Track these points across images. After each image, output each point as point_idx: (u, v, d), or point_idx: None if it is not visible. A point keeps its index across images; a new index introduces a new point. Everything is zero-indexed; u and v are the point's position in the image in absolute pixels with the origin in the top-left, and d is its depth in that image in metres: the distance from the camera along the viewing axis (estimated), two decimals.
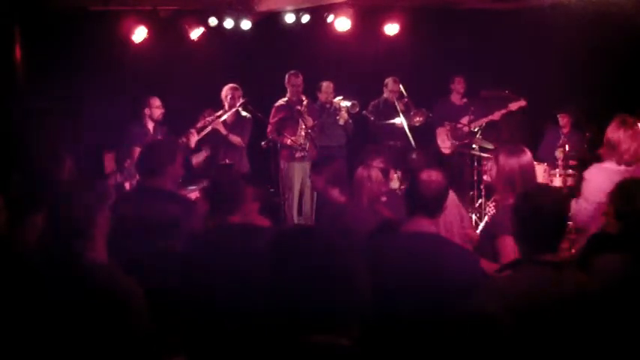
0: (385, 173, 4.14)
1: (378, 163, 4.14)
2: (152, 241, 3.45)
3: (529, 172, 3.55)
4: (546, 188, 2.73)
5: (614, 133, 4.13)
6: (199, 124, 6.72)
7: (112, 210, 2.58)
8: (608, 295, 2.45)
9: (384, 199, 4.02)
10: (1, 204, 2.95)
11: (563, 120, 7.57)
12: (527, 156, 3.59)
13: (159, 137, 6.67)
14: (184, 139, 6.50)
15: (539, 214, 2.49)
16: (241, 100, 7.02)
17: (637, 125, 4.19)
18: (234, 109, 7.00)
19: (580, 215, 4.06)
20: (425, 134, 7.87)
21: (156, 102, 6.71)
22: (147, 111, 6.69)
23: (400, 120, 7.36)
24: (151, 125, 6.73)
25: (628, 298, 2.51)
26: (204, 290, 3.04)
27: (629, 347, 2.42)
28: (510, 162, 3.53)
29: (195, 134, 6.59)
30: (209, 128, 6.83)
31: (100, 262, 2.43)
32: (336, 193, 4.32)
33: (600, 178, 3.99)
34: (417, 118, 7.50)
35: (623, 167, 4.08)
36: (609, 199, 3.07)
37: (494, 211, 4.07)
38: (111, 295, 2.32)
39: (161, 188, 3.81)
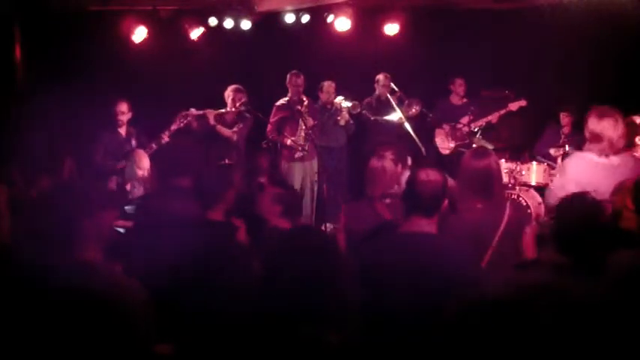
0: (397, 166, 4.07)
1: (389, 155, 4.07)
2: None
3: (493, 174, 3.53)
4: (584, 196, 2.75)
5: (596, 125, 4.12)
6: (174, 127, 6.53)
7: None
8: (622, 293, 2.44)
9: (387, 201, 3.93)
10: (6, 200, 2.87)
11: (565, 119, 7.51)
12: (492, 158, 3.57)
13: (133, 142, 6.55)
14: (154, 145, 6.28)
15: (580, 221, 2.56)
16: (242, 100, 7.03)
17: (615, 115, 4.18)
18: (234, 109, 7.02)
19: (553, 201, 4.03)
20: (424, 134, 7.87)
21: (122, 105, 6.53)
22: (114, 115, 6.52)
23: (397, 115, 7.34)
24: (122, 129, 6.60)
25: None
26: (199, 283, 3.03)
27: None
28: (474, 164, 3.51)
29: (167, 138, 6.36)
30: (201, 112, 6.81)
31: (91, 262, 2.43)
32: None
33: (580, 168, 3.97)
34: (414, 108, 7.48)
35: (603, 158, 4.05)
36: (628, 192, 3.07)
37: None
38: (104, 294, 2.31)
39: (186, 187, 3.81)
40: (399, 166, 4.07)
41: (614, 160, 4.06)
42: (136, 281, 2.40)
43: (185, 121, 6.66)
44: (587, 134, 4.15)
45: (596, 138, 4.08)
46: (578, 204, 2.66)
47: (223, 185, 3.40)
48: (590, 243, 2.59)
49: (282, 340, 1.73)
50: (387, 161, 3.92)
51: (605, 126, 4.05)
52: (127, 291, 2.35)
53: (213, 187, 3.34)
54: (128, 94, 6.89)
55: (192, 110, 6.76)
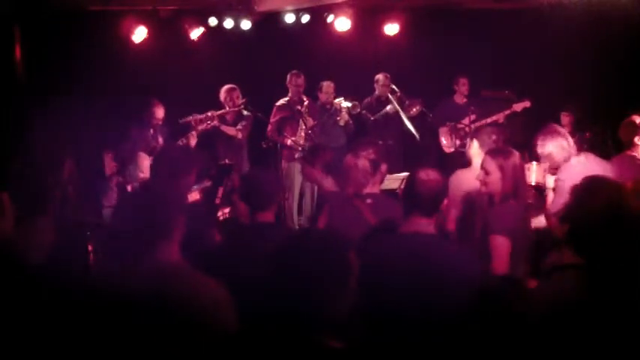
0: (376, 165, 4.03)
1: (368, 154, 4.03)
2: None
3: (521, 171, 3.66)
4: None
5: (560, 144, 4.30)
6: (201, 127, 6.68)
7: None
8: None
9: (369, 201, 3.91)
10: (8, 203, 2.85)
11: (565, 119, 7.49)
12: (516, 156, 3.65)
13: (160, 140, 6.63)
14: (184, 140, 6.48)
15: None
16: (241, 100, 7.05)
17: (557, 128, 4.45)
18: (235, 109, 7.05)
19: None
20: (425, 135, 7.88)
21: (159, 110, 6.62)
22: (149, 115, 6.61)
23: (392, 107, 7.38)
24: (152, 129, 6.69)
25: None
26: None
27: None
28: (509, 163, 3.56)
29: (195, 136, 6.53)
30: (205, 125, 6.85)
31: (173, 264, 2.36)
32: (329, 183, 4.29)
33: (575, 174, 4.01)
34: (414, 108, 7.49)
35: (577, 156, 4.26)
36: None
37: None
38: (187, 296, 2.25)
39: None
40: (383, 166, 4.04)
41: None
42: (215, 281, 2.33)
43: (212, 123, 6.74)
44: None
45: (565, 153, 4.34)
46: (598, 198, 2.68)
47: (275, 186, 3.35)
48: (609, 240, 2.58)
49: (285, 343, 1.72)
50: (361, 160, 3.90)
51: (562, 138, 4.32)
52: (209, 292, 2.29)
53: (265, 188, 3.24)
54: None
55: (196, 115, 6.78)
